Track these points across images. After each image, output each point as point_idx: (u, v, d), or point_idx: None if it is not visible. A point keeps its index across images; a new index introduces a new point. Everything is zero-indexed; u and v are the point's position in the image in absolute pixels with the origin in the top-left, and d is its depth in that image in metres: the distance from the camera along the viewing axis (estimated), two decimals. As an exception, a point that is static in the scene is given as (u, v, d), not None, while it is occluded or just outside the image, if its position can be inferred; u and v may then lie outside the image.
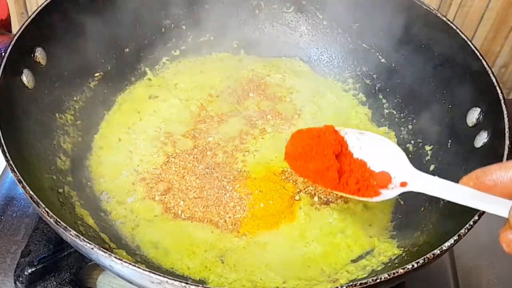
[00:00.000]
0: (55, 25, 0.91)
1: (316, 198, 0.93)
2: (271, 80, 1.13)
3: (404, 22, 1.02)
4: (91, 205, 0.88)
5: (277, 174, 0.95)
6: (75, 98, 0.98)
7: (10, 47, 0.82)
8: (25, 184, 0.68)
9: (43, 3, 0.90)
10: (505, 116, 0.81)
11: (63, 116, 0.95)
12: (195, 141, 1.00)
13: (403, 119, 1.05)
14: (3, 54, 0.80)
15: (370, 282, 0.62)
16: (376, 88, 1.11)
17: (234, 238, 0.87)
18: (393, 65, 1.08)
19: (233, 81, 1.12)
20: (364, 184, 0.79)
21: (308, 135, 0.84)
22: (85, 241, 0.63)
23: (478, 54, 0.90)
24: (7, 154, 0.71)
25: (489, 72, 0.87)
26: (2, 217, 0.97)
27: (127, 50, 1.08)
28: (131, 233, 0.87)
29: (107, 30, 1.02)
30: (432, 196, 0.73)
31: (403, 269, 0.64)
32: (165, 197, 0.91)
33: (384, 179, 0.78)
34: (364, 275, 0.81)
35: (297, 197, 0.93)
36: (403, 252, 0.83)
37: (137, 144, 0.99)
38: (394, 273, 0.64)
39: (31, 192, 0.68)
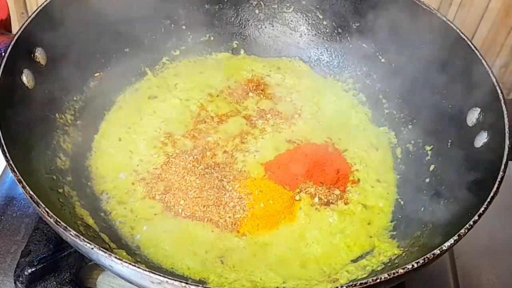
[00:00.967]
0: (55, 25, 0.91)
1: (316, 199, 0.93)
2: (271, 80, 1.13)
3: (404, 22, 1.02)
4: (91, 205, 0.88)
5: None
6: (75, 98, 0.98)
7: (10, 47, 0.82)
8: (25, 184, 0.68)
9: (43, 3, 0.90)
10: (505, 116, 0.81)
11: (63, 116, 0.95)
12: (195, 141, 1.00)
13: (403, 119, 1.05)
14: (3, 54, 0.80)
15: (370, 282, 0.62)
16: (376, 88, 1.11)
17: (234, 238, 0.87)
18: (393, 65, 1.08)
19: (233, 81, 1.12)
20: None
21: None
22: (85, 241, 0.63)
23: (478, 54, 0.90)
24: (7, 154, 0.71)
25: (489, 72, 0.87)
26: (2, 217, 0.97)
27: (127, 50, 1.08)
28: (131, 233, 0.87)
29: (107, 30, 1.02)
30: (432, 196, 0.73)
31: (403, 269, 0.64)
32: (165, 197, 0.91)
33: None
34: (364, 275, 0.81)
35: (297, 197, 0.93)
36: (403, 252, 0.83)
37: (137, 144, 0.99)
38: (394, 273, 0.64)
39: (31, 192, 0.68)
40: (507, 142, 0.78)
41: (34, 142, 0.85)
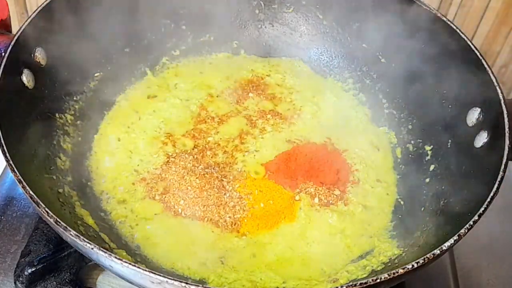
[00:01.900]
0: (55, 25, 0.91)
1: (316, 199, 0.93)
2: (271, 80, 1.13)
3: (404, 22, 1.02)
4: (91, 205, 0.88)
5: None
6: (75, 98, 0.98)
7: (10, 47, 0.82)
8: (25, 184, 0.68)
9: (43, 3, 0.90)
10: (505, 116, 0.81)
11: (63, 116, 0.95)
12: (195, 141, 1.00)
13: (403, 119, 1.05)
14: (3, 54, 0.80)
15: (370, 282, 0.62)
16: (376, 88, 1.11)
17: (234, 238, 0.87)
18: (393, 65, 1.08)
19: (233, 81, 1.12)
20: None
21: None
22: (85, 241, 0.63)
23: (478, 54, 0.90)
24: (7, 154, 0.71)
25: (489, 72, 0.87)
26: (2, 217, 0.97)
27: (127, 50, 1.08)
28: (131, 233, 0.87)
29: (107, 30, 1.02)
30: (432, 196, 0.73)
31: (403, 269, 0.64)
32: (165, 197, 0.91)
33: None
34: (364, 275, 0.81)
35: (297, 197, 0.93)
36: (403, 252, 0.83)
37: (137, 144, 0.99)
38: (394, 273, 0.64)
39: (31, 192, 0.68)
40: (507, 142, 0.78)
41: (34, 142, 0.85)
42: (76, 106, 0.98)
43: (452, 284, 0.96)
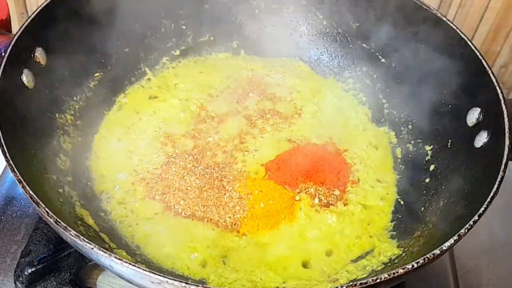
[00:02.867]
0: (55, 25, 0.91)
1: (316, 200, 0.93)
2: (271, 80, 1.13)
3: (404, 22, 1.02)
4: (91, 205, 0.88)
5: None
6: (75, 98, 0.98)
7: (10, 47, 0.82)
8: (25, 184, 0.68)
9: (43, 3, 0.90)
10: (505, 116, 0.81)
11: (63, 116, 0.95)
12: (195, 141, 1.00)
13: (403, 119, 1.05)
14: (3, 54, 0.80)
15: (370, 282, 0.62)
16: (376, 88, 1.11)
17: (234, 238, 0.87)
18: (393, 65, 1.08)
19: (233, 81, 1.12)
20: None
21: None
22: (85, 241, 0.63)
23: (478, 54, 0.90)
24: (7, 154, 0.71)
25: (489, 72, 0.87)
26: (2, 217, 0.97)
27: (127, 50, 1.08)
28: (131, 233, 0.87)
29: (107, 30, 1.02)
30: (432, 196, 0.73)
31: (403, 269, 0.64)
32: (165, 197, 0.91)
33: None
34: (364, 275, 0.81)
35: (297, 198, 0.92)
36: (403, 252, 0.83)
37: (137, 144, 0.99)
38: (394, 273, 0.64)
39: (31, 192, 0.68)
40: (507, 142, 0.78)
41: (34, 142, 0.85)
42: (76, 106, 0.98)
43: (452, 284, 0.96)
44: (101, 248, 0.62)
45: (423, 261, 0.65)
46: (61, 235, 0.68)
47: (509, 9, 1.28)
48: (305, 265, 0.85)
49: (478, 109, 0.87)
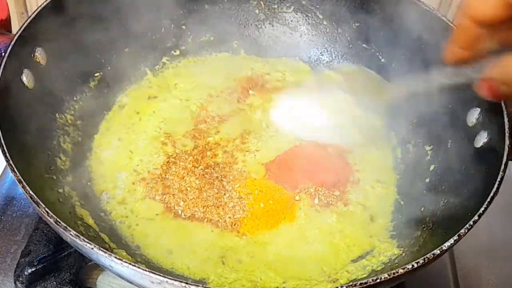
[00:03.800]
0: (55, 25, 0.91)
1: (316, 200, 0.93)
2: (271, 80, 1.13)
3: (404, 22, 1.02)
4: (91, 205, 0.88)
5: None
6: (75, 98, 0.98)
7: (10, 47, 0.82)
8: (25, 184, 0.68)
9: (43, 3, 0.90)
10: (505, 116, 0.81)
11: (63, 116, 0.95)
12: (195, 141, 1.00)
13: (403, 119, 1.05)
14: (3, 54, 0.80)
15: (370, 282, 0.62)
16: (376, 88, 1.10)
17: (234, 238, 0.87)
18: (393, 65, 1.08)
19: (233, 81, 1.12)
20: None
21: None
22: (85, 241, 0.63)
23: (478, 54, 0.89)
24: (7, 154, 0.70)
25: (489, 72, 0.86)
26: (2, 217, 0.97)
27: (127, 50, 1.08)
28: (131, 233, 0.87)
29: (107, 30, 1.02)
30: (432, 196, 0.73)
31: (403, 269, 0.64)
32: (165, 197, 0.91)
33: None
34: (364, 275, 0.81)
35: (297, 198, 0.93)
36: (403, 252, 0.83)
37: (137, 144, 0.99)
38: (394, 273, 0.64)
39: (31, 192, 0.67)
40: (507, 142, 0.78)
41: (34, 141, 0.85)
42: (76, 106, 0.98)
43: (452, 284, 0.96)
44: (101, 248, 0.62)
45: (423, 261, 0.65)
46: (61, 235, 0.68)
47: (509, 9, 1.28)
48: (305, 265, 0.85)
49: (478, 109, 0.87)
